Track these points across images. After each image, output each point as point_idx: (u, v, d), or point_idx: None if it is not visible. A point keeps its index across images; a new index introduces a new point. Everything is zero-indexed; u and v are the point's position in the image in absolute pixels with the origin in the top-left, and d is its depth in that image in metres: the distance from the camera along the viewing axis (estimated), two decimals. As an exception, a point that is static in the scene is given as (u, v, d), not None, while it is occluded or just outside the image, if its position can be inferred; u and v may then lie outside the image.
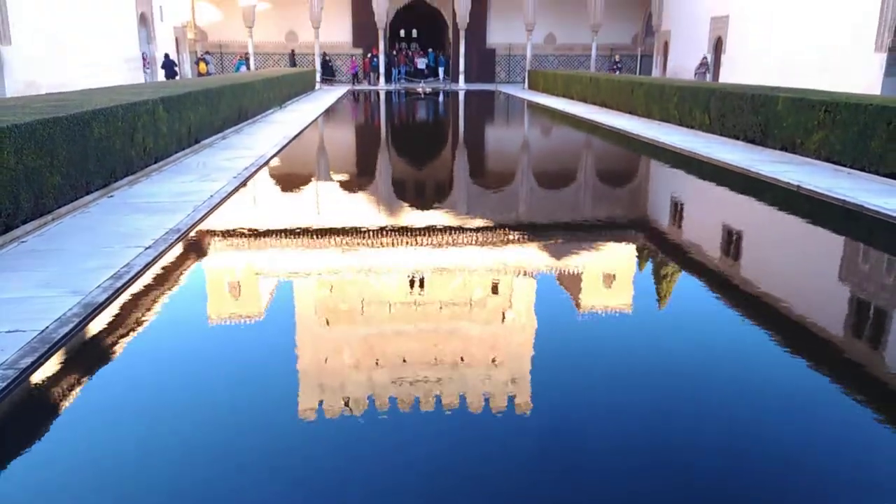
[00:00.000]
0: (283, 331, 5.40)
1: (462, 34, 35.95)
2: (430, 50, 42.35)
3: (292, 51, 36.97)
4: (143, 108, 10.28)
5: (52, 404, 4.01)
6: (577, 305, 6.14)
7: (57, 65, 20.39)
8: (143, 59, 27.35)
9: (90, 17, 23.09)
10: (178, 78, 27.72)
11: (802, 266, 7.39)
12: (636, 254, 7.95)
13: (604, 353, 4.94)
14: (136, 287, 5.80)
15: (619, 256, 7.85)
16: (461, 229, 8.53)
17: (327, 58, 38.50)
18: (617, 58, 29.69)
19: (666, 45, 35.39)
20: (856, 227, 8.61)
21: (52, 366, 4.32)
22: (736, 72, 26.41)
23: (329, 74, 37.84)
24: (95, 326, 4.96)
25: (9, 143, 6.56)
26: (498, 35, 39.83)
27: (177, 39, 32.55)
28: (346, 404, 4.14)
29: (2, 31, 17.73)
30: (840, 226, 8.83)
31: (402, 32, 43.92)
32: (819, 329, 5.49)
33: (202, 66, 32.99)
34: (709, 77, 25.38)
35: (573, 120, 21.96)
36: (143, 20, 28.01)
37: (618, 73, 28.77)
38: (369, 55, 38.22)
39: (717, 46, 29.79)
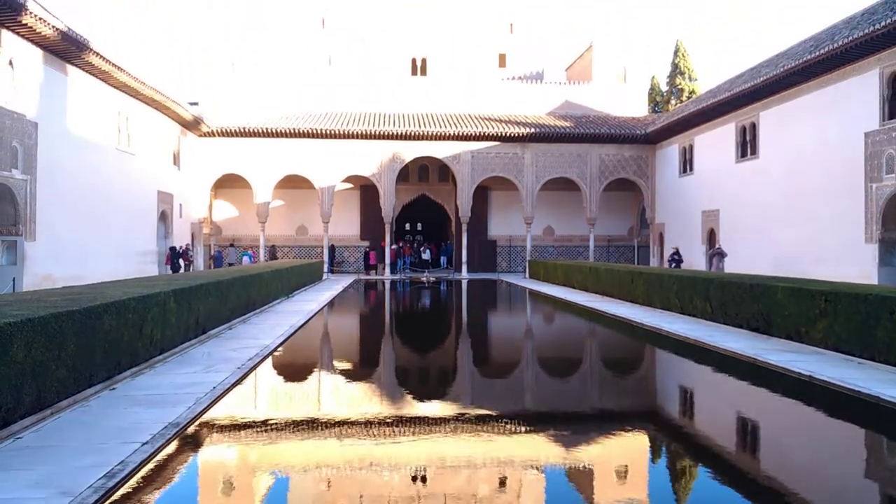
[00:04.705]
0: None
1: (464, 227, 37.61)
2: (440, 244, 44.06)
3: (332, 247, 38.68)
4: (154, 301, 10.50)
5: None
6: (590, 502, 5.81)
7: (75, 259, 21.19)
8: (185, 251, 28.88)
9: (114, 217, 24.37)
10: (181, 270, 28.61)
11: (823, 460, 7.09)
12: (649, 447, 7.66)
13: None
14: (129, 486, 5.55)
15: (631, 450, 7.55)
16: (466, 421, 8.32)
17: (367, 249, 39.92)
18: (673, 249, 29.02)
19: (661, 235, 36.87)
20: (875, 420, 8.34)
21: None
22: (732, 262, 27.17)
23: (375, 270, 38.88)
24: (82, 531, 4.68)
25: (20, 336, 6.62)
26: (498, 228, 41.66)
27: (192, 234, 34.08)
28: None
29: (28, 229, 18.67)
30: (859, 418, 8.55)
31: (408, 225, 46.05)
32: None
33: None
34: (723, 264, 25.79)
35: (576, 308, 22.25)
36: (164, 217, 29.54)
37: (675, 265, 27.79)
38: (375, 247, 39.69)
39: (711, 237, 30.97)
